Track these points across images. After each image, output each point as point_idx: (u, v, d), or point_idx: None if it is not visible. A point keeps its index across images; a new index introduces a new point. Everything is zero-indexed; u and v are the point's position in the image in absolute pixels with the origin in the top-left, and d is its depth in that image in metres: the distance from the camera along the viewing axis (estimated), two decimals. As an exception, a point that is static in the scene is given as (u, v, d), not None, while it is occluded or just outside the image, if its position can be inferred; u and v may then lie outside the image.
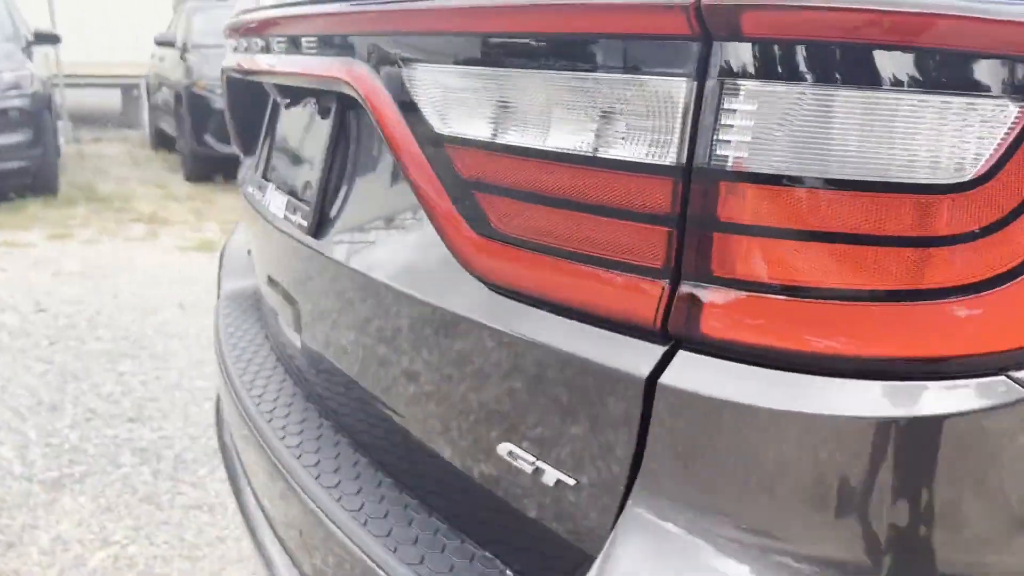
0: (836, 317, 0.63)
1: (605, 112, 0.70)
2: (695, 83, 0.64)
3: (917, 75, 0.58)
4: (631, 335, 0.71)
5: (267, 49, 1.29)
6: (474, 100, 0.83)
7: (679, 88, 0.65)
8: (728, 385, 0.65)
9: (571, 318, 0.76)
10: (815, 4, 0.59)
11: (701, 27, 0.62)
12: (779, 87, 0.61)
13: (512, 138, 0.79)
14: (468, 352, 0.87)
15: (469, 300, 0.85)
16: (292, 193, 1.35)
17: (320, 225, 1.19)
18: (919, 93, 0.58)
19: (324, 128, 1.24)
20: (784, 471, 0.64)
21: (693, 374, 0.67)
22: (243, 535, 2.17)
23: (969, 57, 0.58)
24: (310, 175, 1.28)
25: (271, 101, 1.52)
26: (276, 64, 1.28)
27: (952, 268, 0.61)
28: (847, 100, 0.59)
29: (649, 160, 0.67)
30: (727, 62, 0.62)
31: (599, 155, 0.71)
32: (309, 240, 1.20)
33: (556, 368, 0.77)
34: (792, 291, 0.64)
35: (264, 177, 1.47)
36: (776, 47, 0.61)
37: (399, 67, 0.92)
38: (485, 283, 0.84)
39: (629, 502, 0.72)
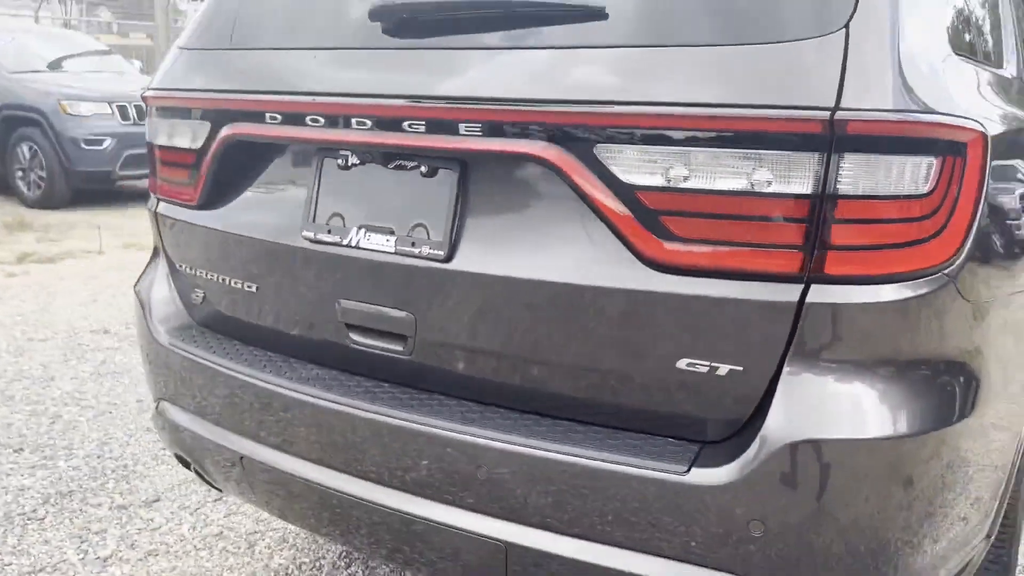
0: (886, 261, 1.21)
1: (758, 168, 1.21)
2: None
3: None
4: (779, 277, 1.24)
5: (380, 127, 1.49)
6: (658, 165, 1.27)
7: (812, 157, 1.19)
8: (836, 295, 1.21)
9: (731, 279, 1.26)
10: None
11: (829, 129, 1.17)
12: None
13: (689, 184, 1.26)
14: (644, 310, 1.32)
15: (638, 276, 1.30)
16: (391, 232, 1.51)
17: (451, 253, 1.45)
18: None
19: (439, 182, 1.48)
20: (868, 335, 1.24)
21: (819, 295, 1.21)
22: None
23: None
24: (424, 216, 1.48)
25: (318, 162, 1.63)
26: (386, 139, 1.50)
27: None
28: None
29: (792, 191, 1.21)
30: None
31: (758, 191, 1.22)
32: (437, 265, 1.47)
33: (721, 306, 1.26)
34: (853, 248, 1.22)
35: (327, 225, 1.60)
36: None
37: (593, 145, 1.31)
38: (654, 266, 1.29)
39: (785, 368, 1.25)
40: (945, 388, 1.30)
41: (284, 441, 1.67)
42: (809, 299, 1.22)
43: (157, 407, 2.03)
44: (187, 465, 2.02)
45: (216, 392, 1.78)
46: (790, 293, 1.23)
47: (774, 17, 1.25)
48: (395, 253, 1.51)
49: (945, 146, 1.21)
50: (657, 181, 1.28)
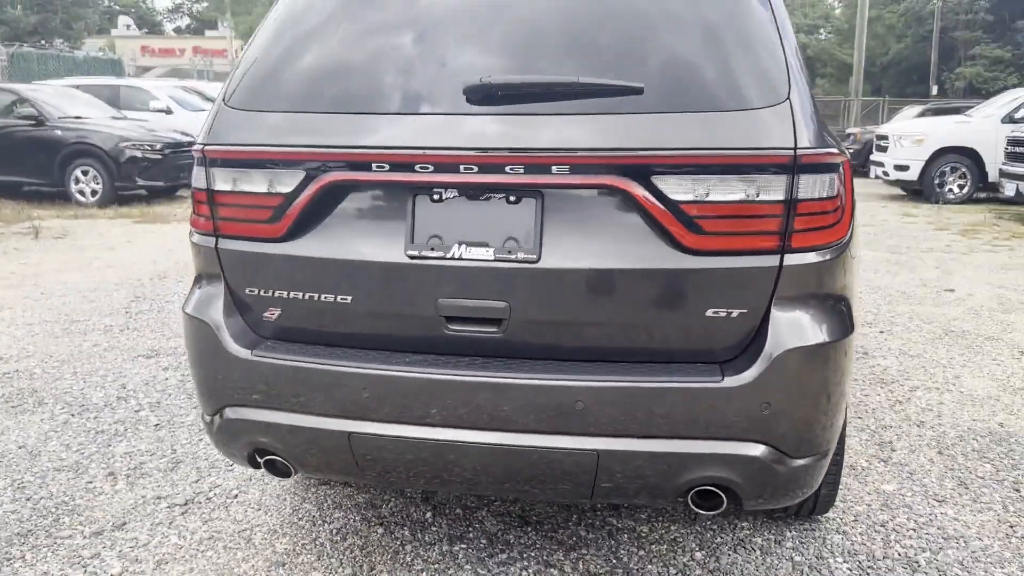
0: (821, 237, 2.08)
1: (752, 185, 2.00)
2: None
3: None
4: (766, 253, 2.02)
5: (480, 171, 2.08)
6: (692, 187, 2.02)
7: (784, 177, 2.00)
8: (798, 260, 2.04)
9: (739, 255, 2.03)
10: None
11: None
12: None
13: (711, 197, 2.01)
14: (684, 280, 2.06)
15: (679, 260, 2.04)
16: (487, 245, 2.08)
17: (539, 256, 2.05)
18: None
19: (524, 207, 2.09)
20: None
21: (791, 261, 2.01)
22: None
23: None
24: (515, 233, 2.07)
25: (412, 197, 2.13)
26: (481, 179, 2.09)
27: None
28: None
29: (773, 199, 2.00)
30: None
31: (752, 200, 2.00)
32: (528, 266, 2.06)
33: (733, 273, 2.03)
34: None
35: (427, 244, 2.11)
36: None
37: (650, 176, 2.02)
38: (689, 252, 2.02)
39: (772, 308, 2.03)
40: (844, 312, 2.18)
41: (396, 413, 2.14)
42: (784, 263, 2.03)
43: (219, 416, 2.35)
44: (258, 457, 2.36)
45: (314, 386, 2.19)
46: (774, 260, 2.03)
47: (750, 94, 2.03)
48: (495, 260, 2.08)
49: (838, 166, 2.08)
50: (691, 196, 2.01)
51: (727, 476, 2.08)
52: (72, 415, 3.96)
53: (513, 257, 2.07)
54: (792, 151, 1.98)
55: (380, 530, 2.92)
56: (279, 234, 2.21)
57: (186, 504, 3.10)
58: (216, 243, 2.30)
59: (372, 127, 2.15)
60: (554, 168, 2.03)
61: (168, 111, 15.96)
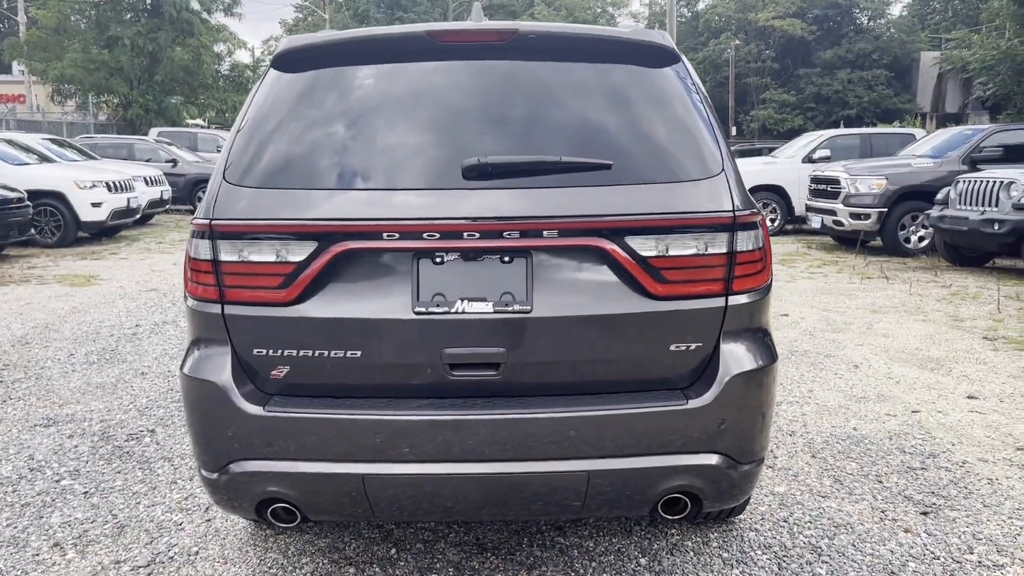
0: (752, 282, 2.58)
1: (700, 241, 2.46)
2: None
3: None
4: (715, 296, 2.49)
5: (481, 237, 2.41)
6: (656, 244, 2.44)
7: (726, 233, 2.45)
8: (738, 300, 2.53)
9: (694, 299, 2.47)
10: None
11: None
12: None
13: (671, 252, 2.44)
14: (651, 321, 2.47)
15: (648, 305, 2.44)
16: (485, 299, 2.39)
17: (532, 306, 2.39)
18: None
19: (516, 266, 2.42)
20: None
21: (733, 301, 2.50)
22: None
23: None
24: (510, 288, 2.39)
25: (415, 261, 2.41)
26: (480, 244, 2.42)
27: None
28: None
29: (718, 251, 2.46)
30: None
31: (701, 253, 2.46)
32: (523, 316, 2.40)
33: (690, 313, 2.49)
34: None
35: (432, 301, 2.39)
36: None
37: (624, 236, 2.42)
38: (655, 298, 2.43)
39: (721, 340, 2.51)
40: (770, 343, 2.65)
41: (407, 453, 2.40)
42: (729, 303, 2.47)
43: (223, 472, 2.50)
44: (263, 508, 2.52)
45: (328, 434, 2.40)
46: (721, 302, 2.47)
47: (693, 168, 2.48)
48: (494, 312, 2.39)
49: (758, 224, 2.56)
50: (655, 252, 2.41)
51: (693, 483, 2.49)
52: (-13, 491, 3.83)
53: (510, 309, 2.40)
54: (732, 213, 2.44)
55: (352, 570, 3.11)
56: (289, 299, 2.42)
57: (149, 566, 3.15)
58: (222, 309, 2.47)
59: (381, 201, 2.42)
60: (544, 232, 2.39)
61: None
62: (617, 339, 2.46)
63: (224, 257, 2.45)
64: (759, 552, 3.23)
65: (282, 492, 2.48)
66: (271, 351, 2.47)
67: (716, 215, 2.44)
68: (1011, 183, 9.98)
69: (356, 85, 2.61)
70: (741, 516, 3.50)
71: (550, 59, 2.63)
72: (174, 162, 19.69)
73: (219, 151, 22.81)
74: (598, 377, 2.50)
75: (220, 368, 2.48)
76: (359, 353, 2.44)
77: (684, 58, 2.73)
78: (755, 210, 2.53)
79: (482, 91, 2.60)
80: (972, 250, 11.19)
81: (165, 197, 16.84)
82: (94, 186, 13.71)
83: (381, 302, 2.43)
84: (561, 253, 2.44)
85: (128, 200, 14.38)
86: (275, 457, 2.45)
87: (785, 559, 3.17)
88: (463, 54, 2.63)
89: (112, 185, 14.01)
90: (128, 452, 4.31)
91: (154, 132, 24.28)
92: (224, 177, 2.51)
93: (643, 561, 3.16)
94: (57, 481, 3.94)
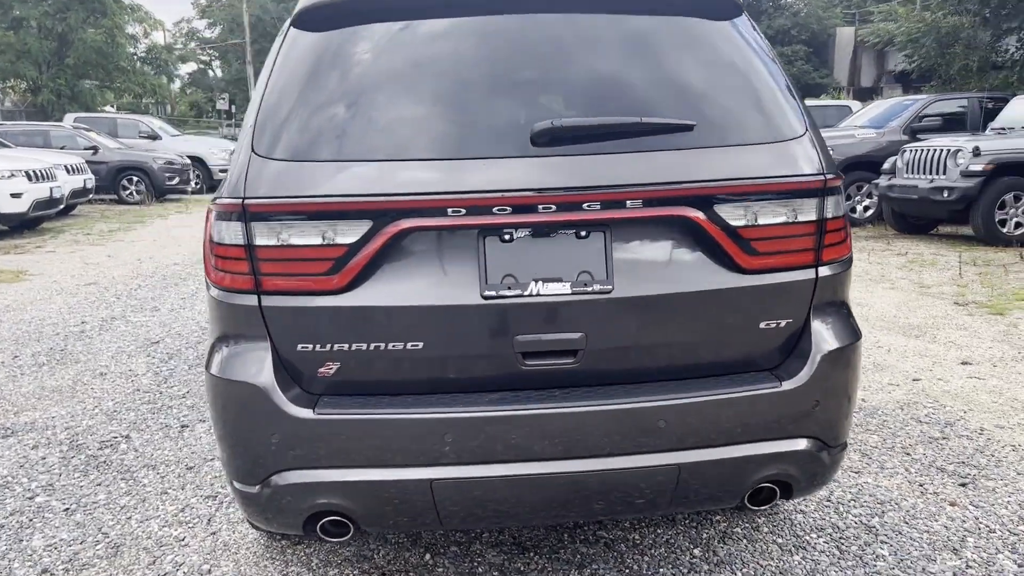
0: (837, 252, 2.36)
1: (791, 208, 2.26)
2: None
3: None
4: (806, 267, 2.28)
5: (558, 209, 2.15)
6: (746, 212, 2.22)
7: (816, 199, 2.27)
8: (828, 271, 2.33)
9: (784, 271, 2.26)
10: None
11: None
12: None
13: (760, 221, 2.23)
14: (741, 298, 2.25)
15: (738, 280, 2.24)
16: (561, 280, 2.14)
17: (613, 285, 2.17)
18: None
19: (593, 241, 2.17)
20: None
21: (823, 272, 2.29)
22: None
23: None
24: (587, 266, 2.15)
25: (480, 240, 2.14)
26: (555, 217, 2.16)
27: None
28: None
29: (807, 219, 2.27)
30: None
31: (791, 221, 2.24)
32: (603, 296, 2.16)
33: (780, 287, 2.27)
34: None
35: (501, 284, 2.13)
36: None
37: (714, 209, 2.21)
38: (745, 272, 2.22)
39: (811, 315, 2.30)
40: (852, 318, 2.46)
41: (480, 454, 2.14)
42: (820, 275, 2.28)
43: (265, 484, 2.20)
44: (312, 522, 2.23)
45: (390, 437, 2.13)
46: (811, 273, 2.27)
47: (778, 128, 2.27)
48: (571, 293, 2.14)
49: (842, 189, 2.37)
50: (745, 222, 2.20)
51: (787, 470, 2.30)
52: (-50, 514, 3.42)
53: (589, 289, 2.16)
54: (823, 176, 2.25)
55: (387, 580, 2.85)
56: (340, 286, 2.13)
57: (159, 589, 2.82)
58: (259, 301, 2.16)
59: (442, 173, 2.14)
60: (627, 203, 2.15)
61: None
62: (705, 318, 2.24)
63: (260, 241, 2.14)
64: (814, 535, 3.07)
65: (336, 504, 2.20)
66: (318, 346, 2.17)
67: (808, 179, 2.24)
68: (958, 151, 10.14)
69: (400, 42, 2.30)
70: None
71: (609, 11, 2.37)
72: (95, 149, 18.40)
73: (142, 137, 22.07)
74: (684, 361, 2.28)
75: (259, 368, 2.17)
76: (420, 344, 2.17)
77: (745, 11, 2.51)
78: (839, 175, 2.34)
79: (539, 45, 2.33)
80: (919, 218, 11.39)
81: (89, 186, 15.91)
82: (12, 175, 12.80)
83: (445, 287, 2.15)
84: (642, 225, 2.21)
85: (51, 190, 13.50)
86: (327, 465, 2.17)
87: (843, 541, 3.03)
88: (514, 5, 2.35)
89: (32, 174, 13.12)
90: (105, 461, 3.92)
91: (70, 118, 22.84)
92: (253, 149, 2.19)
93: (696, 552, 2.97)
94: (31, 498, 3.54)
